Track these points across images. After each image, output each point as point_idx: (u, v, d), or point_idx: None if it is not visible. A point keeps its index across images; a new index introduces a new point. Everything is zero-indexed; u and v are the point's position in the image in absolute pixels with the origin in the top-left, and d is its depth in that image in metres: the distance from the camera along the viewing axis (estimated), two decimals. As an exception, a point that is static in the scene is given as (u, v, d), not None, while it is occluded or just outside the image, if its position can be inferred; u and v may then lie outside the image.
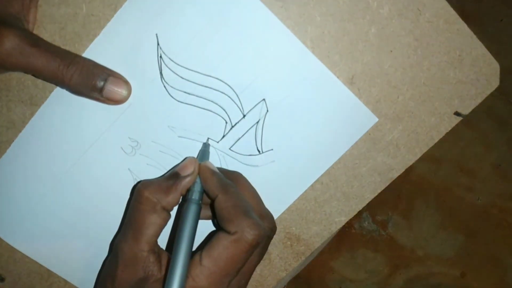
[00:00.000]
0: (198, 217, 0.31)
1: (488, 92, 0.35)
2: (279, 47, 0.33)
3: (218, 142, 0.35)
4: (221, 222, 0.30)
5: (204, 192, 0.33)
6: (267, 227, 0.32)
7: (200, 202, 0.32)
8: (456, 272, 0.75)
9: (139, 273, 0.30)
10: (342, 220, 0.38)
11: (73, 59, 0.31)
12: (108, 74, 0.32)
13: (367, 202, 0.37)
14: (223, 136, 0.35)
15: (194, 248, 0.31)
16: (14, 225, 0.37)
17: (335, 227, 0.38)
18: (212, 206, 0.32)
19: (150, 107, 0.34)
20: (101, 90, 0.32)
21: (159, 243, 0.32)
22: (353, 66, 0.34)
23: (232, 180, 0.33)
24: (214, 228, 0.37)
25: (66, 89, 0.33)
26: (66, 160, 0.36)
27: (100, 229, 0.37)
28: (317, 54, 0.33)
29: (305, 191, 0.37)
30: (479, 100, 0.35)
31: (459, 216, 0.78)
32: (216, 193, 0.31)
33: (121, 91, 0.33)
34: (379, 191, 0.37)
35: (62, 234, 0.37)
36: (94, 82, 0.32)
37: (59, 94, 0.34)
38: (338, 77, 0.34)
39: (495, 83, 0.35)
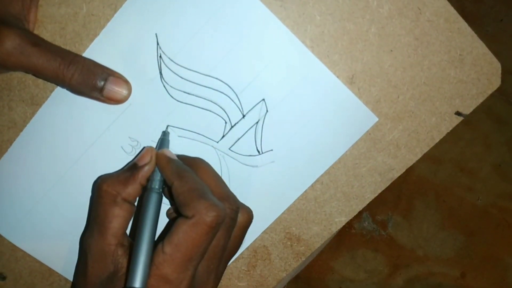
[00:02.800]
0: (159, 206, 0.31)
1: (490, 92, 0.35)
2: (279, 47, 0.33)
3: (217, 142, 0.35)
4: (180, 208, 0.30)
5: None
6: (228, 207, 0.31)
7: (161, 190, 0.32)
8: (456, 272, 0.75)
9: (109, 267, 0.30)
10: (342, 220, 0.38)
11: (73, 59, 0.31)
12: (108, 73, 0.32)
13: (367, 202, 0.37)
14: (223, 136, 0.35)
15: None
16: (16, 223, 0.37)
17: (335, 227, 0.38)
18: (171, 196, 0.31)
19: (150, 106, 0.34)
20: (101, 89, 0.32)
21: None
22: (353, 66, 0.34)
23: (191, 166, 0.32)
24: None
25: (67, 89, 0.33)
26: (67, 159, 0.36)
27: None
28: (316, 54, 0.33)
29: (305, 191, 0.37)
30: (480, 100, 0.35)
31: (459, 216, 0.78)
32: (172, 180, 0.30)
33: (121, 90, 0.33)
34: (379, 191, 0.37)
35: (63, 233, 0.37)
36: (95, 82, 0.32)
37: (60, 94, 0.34)
38: (338, 77, 0.34)
39: (496, 82, 0.35)
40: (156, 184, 0.32)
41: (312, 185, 0.36)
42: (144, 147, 0.35)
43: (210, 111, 0.34)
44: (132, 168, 0.32)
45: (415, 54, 0.34)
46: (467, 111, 0.35)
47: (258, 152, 0.35)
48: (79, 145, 0.35)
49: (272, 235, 0.38)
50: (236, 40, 0.33)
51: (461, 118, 0.35)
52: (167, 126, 0.35)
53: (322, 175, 0.36)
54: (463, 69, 0.34)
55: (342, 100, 0.34)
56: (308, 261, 0.40)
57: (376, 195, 0.37)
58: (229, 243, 0.32)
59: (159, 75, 0.33)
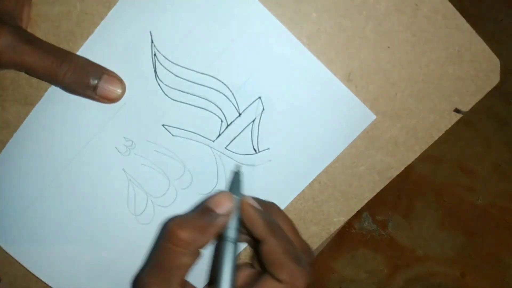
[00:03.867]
0: (236, 257, 0.30)
1: (489, 88, 0.34)
2: (275, 44, 0.32)
3: (213, 141, 0.35)
4: (270, 266, 0.29)
5: (243, 228, 0.31)
6: (309, 262, 0.31)
7: (237, 239, 0.31)
8: (456, 272, 0.75)
9: None
10: (341, 220, 0.37)
11: (66, 57, 0.31)
12: (102, 72, 0.32)
13: (366, 201, 0.37)
14: (219, 135, 0.35)
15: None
16: (8, 227, 0.37)
17: (333, 227, 0.37)
18: (255, 246, 0.31)
19: (144, 105, 0.34)
20: (95, 88, 0.31)
21: None
22: (350, 63, 0.33)
23: (271, 214, 0.31)
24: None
25: (60, 87, 0.33)
26: (61, 160, 0.35)
27: (94, 231, 0.37)
28: (313, 51, 0.33)
29: (303, 191, 0.36)
30: (479, 97, 0.34)
31: (459, 216, 0.77)
32: (264, 236, 0.29)
33: (115, 89, 0.32)
34: (378, 190, 0.36)
35: (55, 236, 0.37)
36: (88, 80, 0.31)
37: (54, 93, 0.34)
38: (335, 74, 0.33)
39: (495, 79, 0.34)
40: (233, 233, 0.30)
41: (310, 184, 0.36)
42: (221, 191, 0.32)
43: (206, 109, 0.34)
44: (207, 213, 0.30)
45: (413, 50, 0.33)
46: (466, 108, 0.35)
47: (255, 151, 0.35)
48: (73, 145, 0.35)
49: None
50: (231, 37, 0.32)
51: (460, 115, 0.35)
52: (237, 165, 0.34)
53: (320, 174, 0.36)
54: (461, 66, 0.34)
55: (339, 98, 0.34)
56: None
57: (375, 194, 0.37)
58: None
59: (153, 74, 0.33)
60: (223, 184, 0.35)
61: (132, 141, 0.35)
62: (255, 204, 0.31)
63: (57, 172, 0.35)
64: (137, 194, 0.36)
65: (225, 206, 0.30)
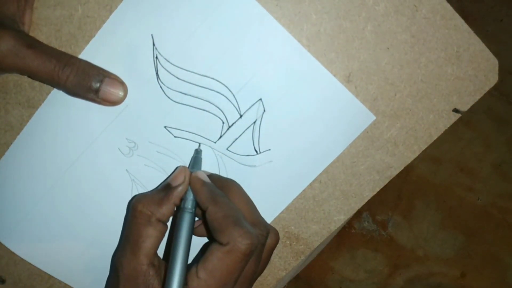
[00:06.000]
0: (192, 225, 0.32)
1: (487, 88, 0.35)
2: (275, 46, 0.33)
3: (215, 142, 0.35)
4: (213, 233, 0.30)
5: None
6: (260, 234, 0.32)
7: (194, 210, 0.32)
8: (456, 272, 0.75)
9: (140, 287, 0.30)
10: (341, 218, 0.37)
11: (68, 60, 0.31)
12: (104, 75, 0.32)
13: (366, 200, 0.37)
14: (220, 137, 0.35)
15: (191, 259, 0.31)
16: (12, 228, 0.37)
17: (334, 226, 0.37)
18: (204, 218, 0.32)
19: (146, 107, 0.34)
20: (97, 91, 0.32)
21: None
22: (350, 64, 0.34)
23: (224, 188, 0.33)
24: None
25: (63, 91, 0.33)
26: (64, 162, 0.35)
27: (99, 231, 0.37)
28: (313, 53, 0.33)
29: (304, 190, 0.37)
30: (478, 97, 0.35)
31: (459, 216, 0.77)
32: (206, 204, 0.31)
33: (117, 92, 0.33)
34: (378, 189, 0.37)
35: (60, 237, 0.37)
36: (90, 83, 0.31)
37: (56, 96, 0.34)
38: (334, 75, 0.34)
39: (493, 79, 0.34)
40: (189, 203, 0.32)
41: (310, 184, 0.36)
42: (178, 166, 0.35)
43: (207, 111, 0.34)
44: (166, 188, 0.32)
45: (412, 51, 0.34)
46: (464, 108, 0.35)
47: (256, 152, 0.35)
48: (76, 147, 0.35)
49: (271, 235, 0.37)
50: (232, 40, 0.33)
51: (458, 115, 0.35)
52: (200, 144, 0.35)
53: (320, 174, 0.36)
54: (460, 66, 0.34)
55: (339, 98, 0.34)
56: (308, 260, 0.40)
57: (375, 193, 0.37)
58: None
59: (155, 76, 0.33)
60: (224, 185, 0.36)
61: (135, 143, 0.35)
62: (202, 177, 0.33)
63: (60, 174, 0.36)
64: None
65: (179, 179, 0.32)
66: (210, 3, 0.32)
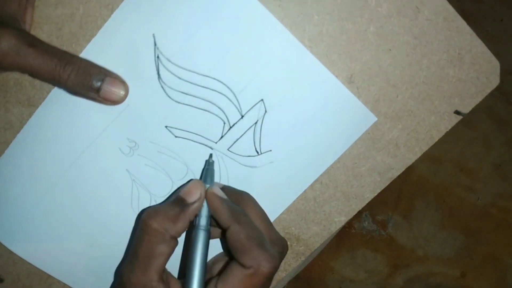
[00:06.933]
0: (208, 243, 0.31)
1: (489, 91, 0.35)
2: (277, 47, 0.33)
3: (216, 142, 0.35)
4: (235, 253, 0.30)
5: (213, 218, 0.32)
6: (280, 252, 0.32)
7: (209, 227, 0.32)
8: (456, 272, 0.75)
9: None
10: (342, 220, 0.37)
11: (70, 59, 0.31)
12: (105, 74, 0.32)
13: (367, 202, 0.37)
14: (221, 137, 0.35)
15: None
16: (11, 227, 0.37)
17: (334, 227, 0.37)
18: (223, 234, 0.32)
19: (147, 107, 0.34)
20: (98, 90, 0.32)
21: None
22: (352, 65, 0.34)
23: (240, 203, 0.32)
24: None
25: (64, 89, 0.33)
26: (64, 161, 0.35)
27: (99, 231, 0.37)
28: (315, 53, 0.33)
29: (305, 191, 0.36)
30: (479, 99, 0.35)
31: (459, 216, 0.78)
32: (227, 223, 0.30)
33: (118, 91, 0.32)
34: (378, 190, 0.37)
35: (60, 236, 0.37)
36: (91, 82, 0.31)
37: (57, 95, 0.34)
38: (336, 76, 0.33)
39: (495, 81, 0.34)
40: (205, 221, 0.31)
41: (311, 185, 0.36)
42: (191, 180, 0.34)
43: (209, 111, 0.34)
44: (179, 203, 0.31)
45: (414, 53, 0.34)
46: (466, 110, 0.35)
47: (257, 152, 0.35)
48: (76, 146, 0.35)
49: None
50: (234, 40, 0.32)
51: (460, 117, 0.35)
52: (211, 154, 0.34)
53: (321, 175, 0.36)
54: (462, 68, 0.34)
55: (341, 99, 0.34)
56: (308, 261, 0.40)
57: (376, 194, 0.37)
58: None
59: (156, 76, 0.33)
60: (225, 183, 0.36)
61: (136, 142, 0.35)
62: (220, 193, 0.32)
63: (60, 173, 0.36)
64: (141, 194, 0.36)
65: (194, 195, 0.31)
66: (212, 3, 0.32)
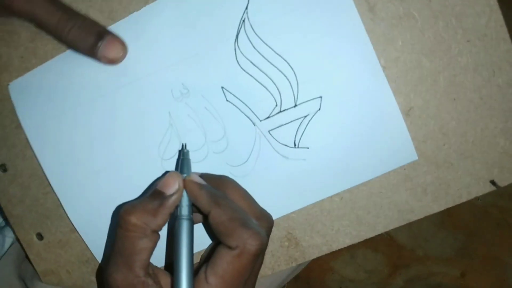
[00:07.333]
0: (192, 232, 0.31)
1: (530, 173, 0.35)
2: (355, 56, 0.34)
3: (261, 121, 0.35)
4: (220, 237, 0.30)
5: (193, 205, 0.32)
6: (267, 228, 0.32)
7: (191, 216, 0.31)
8: (456, 272, 0.73)
9: None
10: (346, 242, 0.37)
11: (74, 15, 0.33)
12: (106, 33, 0.33)
13: (376, 233, 0.37)
14: (268, 117, 0.35)
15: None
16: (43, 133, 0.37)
17: (336, 246, 0.37)
18: (205, 219, 0.31)
19: (214, 63, 0.35)
20: (97, 47, 0.33)
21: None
22: (414, 100, 0.34)
23: (220, 187, 0.32)
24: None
25: (64, 43, 0.34)
26: (115, 82, 0.36)
27: (118, 157, 0.37)
28: (386, 75, 0.34)
29: (322, 200, 0.37)
30: (519, 178, 0.35)
31: (459, 216, 0.76)
32: (208, 209, 0.30)
33: (117, 51, 0.34)
34: (391, 227, 0.37)
35: (80, 149, 0.37)
36: (91, 39, 0.33)
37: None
38: (398, 104, 0.34)
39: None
40: (186, 210, 0.31)
41: (331, 197, 0.36)
42: (166, 171, 0.34)
43: (267, 89, 0.35)
44: (157, 196, 0.30)
45: (475, 112, 0.34)
46: (502, 184, 0.35)
47: (294, 145, 0.36)
48: (134, 70, 0.35)
49: (273, 229, 0.37)
50: (319, 34, 0.34)
51: (493, 188, 0.36)
52: (184, 144, 0.35)
53: (344, 191, 0.36)
54: (513, 143, 0.35)
55: (393, 127, 0.35)
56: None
57: (387, 230, 0.37)
58: None
59: (234, 37, 0.34)
60: (252, 162, 0.36)
61: (188, 90, 0.35)
62: (198, 180, 0.32)
63: (113, 90, 0.36)
64: (172, 140, 0.36)
65: (172, 187, 0.30)
66: None
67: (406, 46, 0.34)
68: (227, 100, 0.35)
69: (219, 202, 0.30)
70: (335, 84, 0.34)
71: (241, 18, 0.34)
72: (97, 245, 0.39)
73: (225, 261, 0.29)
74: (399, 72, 0.34)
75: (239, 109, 0.35)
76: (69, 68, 0.36)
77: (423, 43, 0.34)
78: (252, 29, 0.34)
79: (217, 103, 0.35)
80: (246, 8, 0.34)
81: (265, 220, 0.32)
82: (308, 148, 0.36)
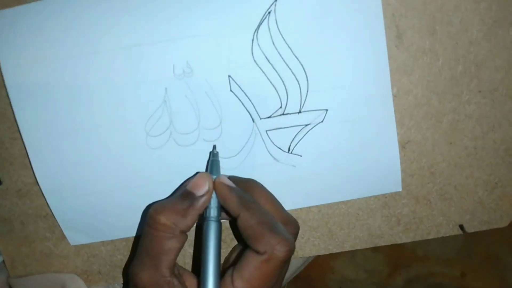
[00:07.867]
0: (220, 234, 0.30)
1: (496, 226, 0.37)
2: (371, 77, 0.33)
3: (261, 119, 0.34)
4: (248, 241, 0.29)
5: (223, 208, 0.31)
6: (294, 232, 0.31)
7: (219, 218, 0.31)
8: (456, 272, 0.75)
9: None
10: (312, 252, 0.38)
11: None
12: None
13: (341, 250, 0.38)
14: (269, 117, 0.34)
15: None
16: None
17: (301, 253, 0.38)
18: (233, 223, 0.31)
19: (226, 47, 0.33)
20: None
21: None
22: (414, 135, 0.35)
23: (247, 190, 0.32)
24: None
25: None
26: (119, 40, 0.33)
27: (103, 124, 0.34)
28: (394, 105, 0.34)
29: (301, 209, 0.37)
30: (485, 228, 0.37)
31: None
32: (237, 212, 0.29)
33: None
34: (358, 248, 0.38)
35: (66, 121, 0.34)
36: None
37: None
38: (397, 135, 0.34)
39: (504, 223, 0.37)
40: (215, 212, 0.31)
41: (309, 207, 0.37)
42: (197, 172, 0.32)
43: (275, 88, 0.33)
44: (188, 197, 0.30)
45: (466, 159, 0.35)
46: (469, 230, 0.37)
47: (288, 150, 0.35)
48: (140, 34, 0.33)
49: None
50: (342, 47, 0.32)
51: (460, 233, 0.37)
52: (214, 146, 0.34)
53: (323, 204, 0.36)
54: (490, 196, 0.36)
55: (387, 156, 0.35)
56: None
57: (352, 249, 0.38)
58: None
59: (255, 28, 0.32)
60: (242, 157, 0.35)
61: (192, 70, 0.33)
62: (228, 182, 0.31)
63: (113, 49, 0.33)
64: (162, 118, 0.34)
65: (203, 188, 0.30)
66: (345, 6, 0.31)
67: (422, 81, 0.33)
68: (230, 90, 0.34)
69: (248, 205, 0.29)
70: (344, 101, 0.34)
71: (268, 9, 0.32)
72: (58, 204, 0.36)
73: (252, 266, 0.28)
74: (408, 105, 0.34)
75: (242, 102, 0.34)
76: (63, 11, 0.32)
77: (438, 82, 0.33)
78: (276, 23, 0.32)
79: (220, 90, 0.34)
80: (276, 1, 0.32)
81: (292, 226, 0.32)
82: (301, 156, 0.35)
